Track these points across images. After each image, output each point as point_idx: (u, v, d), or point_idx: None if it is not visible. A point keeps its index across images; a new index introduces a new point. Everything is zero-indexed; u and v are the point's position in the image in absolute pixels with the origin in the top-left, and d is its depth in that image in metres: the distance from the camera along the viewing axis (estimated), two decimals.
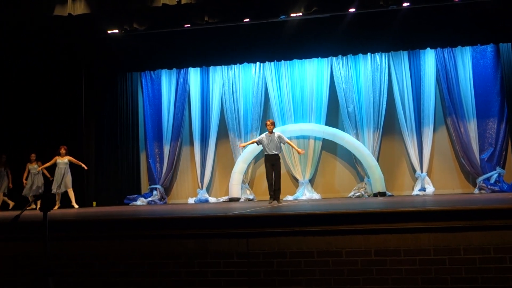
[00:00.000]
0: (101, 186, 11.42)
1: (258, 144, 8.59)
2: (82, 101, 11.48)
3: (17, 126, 11.23)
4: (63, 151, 10.13)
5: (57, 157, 10.09)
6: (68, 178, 10.05)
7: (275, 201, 8.32)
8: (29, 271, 4.09)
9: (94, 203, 10.56)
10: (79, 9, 8.72)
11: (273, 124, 8.52)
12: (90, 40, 10.73)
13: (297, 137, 11.13)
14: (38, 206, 9.23)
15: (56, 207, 9.78)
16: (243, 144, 9.32)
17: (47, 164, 10.14)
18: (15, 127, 11.24)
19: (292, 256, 3.86)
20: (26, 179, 10.38)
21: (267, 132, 8.44)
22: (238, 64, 11.50)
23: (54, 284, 3.27)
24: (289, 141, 8.64)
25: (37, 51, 10.80)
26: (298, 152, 9.13)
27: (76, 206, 10.00)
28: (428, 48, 10.65)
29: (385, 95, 10.89)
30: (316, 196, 10.81)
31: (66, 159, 10.12)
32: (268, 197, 8.74)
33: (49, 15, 8.76)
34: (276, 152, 8.32)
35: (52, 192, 9.85)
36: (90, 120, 11.69)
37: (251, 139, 11.25)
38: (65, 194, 10.12)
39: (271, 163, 8.34)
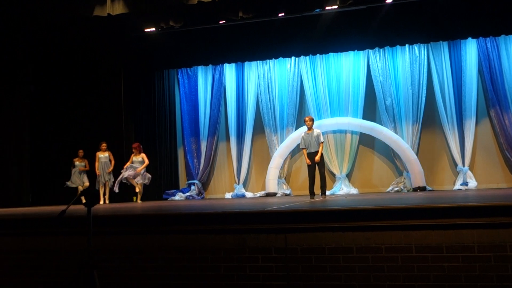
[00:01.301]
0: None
1: (304, 147, 8.41)
2: (121, 99, 11.77)
3: (61, 125, 11.61)
4: (103, 146, 10.42)
5: (98, 153, 10.40)
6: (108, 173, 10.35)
7: (322, 196, 8.16)
8: (75, 264, 4.24)
9: (135, 198, 10.80)
10: (118, 9, 8.92)
11: (312, 120, 8.40)
12: (128, 39, 10.98)
13: (334, 132, 11.03)
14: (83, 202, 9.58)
15: (101, 202, 10.15)
16: (308, 161, 8.69)
17: (96, 164, 10.42)
18: (58, 126, 11.63)
19: (330, 251, 3.83)
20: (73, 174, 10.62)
21: (306, 129, 8.33)
22: (273, 59, 11.49)
23: (98, 277, 3.37)
24: (321, 145, 8.36)
25: (78, 52, 11.14)
26: (315, 159, 8.70)
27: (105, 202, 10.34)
28: (470, 38, 10.30)
29: (425, 87, 10.63)
30: (353, 191, 10.69)
31: (106, 153, 10.43)
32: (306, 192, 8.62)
33: (89, 16, 9.01)
34: (316, 150, 8.20)
35: (100, 184, 10.23)
36: (129, 118, 11.97)
37: (287, 134, 11.28)
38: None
39: (314, 161, 8.19)
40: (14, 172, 10.86)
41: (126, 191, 11.00)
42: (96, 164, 10.42)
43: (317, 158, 8.00)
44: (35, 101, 11.59)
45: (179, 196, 11.49)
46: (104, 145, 10.50)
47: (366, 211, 3.95)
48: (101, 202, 10.21)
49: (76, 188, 10.52)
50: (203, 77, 12.14)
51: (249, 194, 11.41)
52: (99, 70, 11.55)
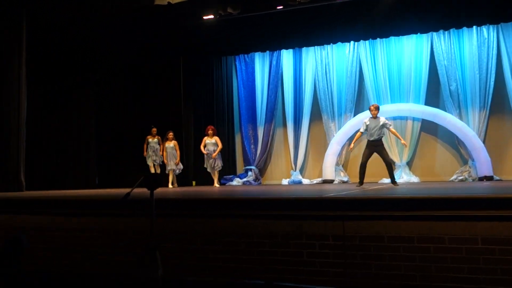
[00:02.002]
0: (200, 166, 11.96)
1: (363, 133, 8.28)
2: (180, 87, 12.06)
3: (123, 112, 12.10)
4: (170, 136, 10.68)
5: (165, 142, 10.67)
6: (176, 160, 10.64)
7: (395, 183, 8.05)
8: (139, 244, 4.43)
9: (194, 183, 11.10)
10: None
11: (377, 109, 8.20)
12: (187, 27, 11.18)
13: (394, 118, 10.70)
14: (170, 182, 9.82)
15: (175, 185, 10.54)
16: (352, 144, 8.85)
17: (164, 153, 10.68)
18: (121, 113, 12.13)
19: (390, 240, 3.74)
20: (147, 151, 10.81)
21: (371, 116, 8.15)
22: (331, 44, 11.29)
23: (161, 258, 3.51)
24: (393, 130, 8.24)
25: (139, 40, 11.50)
26: (403, 144, 8.75)
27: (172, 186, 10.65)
28: None
29: (493, 72, 10.04)
30: (414, 179, 10.36)
31: (172, 143, 10.69)
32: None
33: (150, 5, 9.26)
34: (380, 137, 8.02)
35: (167, 171, 10.56)
36: (187, 105, 12.26)
37: (344, 121, 11.07)
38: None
39: (373, 150, 8.01)
40: (83, 156, 11.48)
41: (185, 175, 11.33)
42: (145, 146, 10.67)
43: (403, 141, 8.10)
44: (101, 89, 12.14)
45: (236, 182, 11.67)
46: (171, 134, 10.72)
47: (429, 200, 3.82)
48: (170, 186, 10.54)
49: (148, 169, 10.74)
50: (260, 64, 12.16)
51: (306, 181, 11.37)
52: (159, 58, 11.88)
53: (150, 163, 10.67)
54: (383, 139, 8.18)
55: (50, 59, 10.99)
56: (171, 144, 10.67)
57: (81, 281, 3.66)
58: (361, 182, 7.95)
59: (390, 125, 8.17)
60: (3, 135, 8.70)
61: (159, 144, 10.78)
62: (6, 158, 8.69)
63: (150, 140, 10.79)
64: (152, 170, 10.49)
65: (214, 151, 10.49)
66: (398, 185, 8.00)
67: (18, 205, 5.48)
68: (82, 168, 11.44)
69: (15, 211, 5.30)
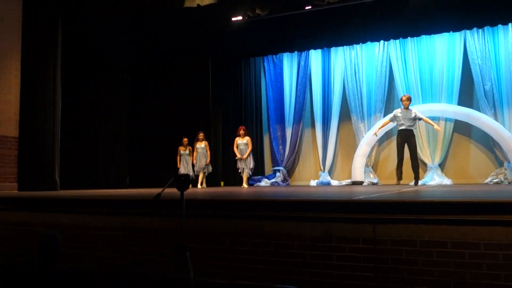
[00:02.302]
0: (228, 167, 12.02)
1: (393, 121, 8.16)
2: (209, 88, 12.15)
3: (153, 113, 12.27)
4: (201, 136, 10.74)
5: (195, 143, 10.73)
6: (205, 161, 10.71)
7: (416, 183, 7.87)
8: (168, 244, 4.48)
9: (222, 183, 11.16)
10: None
11: (409, 100, 8.06)
12: (216, 28, 11.26)
13: None
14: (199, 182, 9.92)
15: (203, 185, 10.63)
16: (377, 130, 8.86)
17: (194, 154, 10.78)
18: (151, 113, 12.30)
19: (422, 245, 3.65)
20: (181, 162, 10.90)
21: (402, 107, 8.01)
22: (360, 43, 11.16)
23: (191, 258, 3.53)
24: (426, 118, 8.09)
25: (169, 42, 11.65)
26: (437, 129, 8.57)
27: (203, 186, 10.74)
28: None
29: None
30: (446, 181, 10.12)
31: (203, 144, 10.74)
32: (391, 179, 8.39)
33: (180, 7, 9.36)
34: (411, 128, 7.86)
35: (196, 172, 10.66)
36: (216, 105, 12.34)
37: (374, 121, 10.92)
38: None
39: (405, 139, 7.86)
40: (115, 156, 11.70)
41: (213, 176, 11.39)
42: (195, 154, 10.69)
43: (437, 127, 7.96)
44: (132, 90, 12.35)
45: (264, 182, 11.66)
46: (201, 135, 10.77)
47: (463, 204, 3.71)
48: (199, 186, 10.62)
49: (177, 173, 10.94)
50: (289, 64, 12.13)
51: (334, 182, 11.28)
52: (188, 59, 12.00)
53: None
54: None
55: (83, 60, 11.24)
56: (202, 144, 10.72)
57: (111, 280, 3.72)
58: (399, 178, 7.79)
59: (423, 116, 8.00)
60: (39, 135, 8.94)
61: (190, 154, 10.85)
62: (42, 158, 8.93)
63: (182, 151, 10.86)
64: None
65: (246, 151, 10.48)
66: (417, 186, 7.79)
67: (53, 203, 5.62)
68: (114, 168, 11.65)
69: (50, 209, 5.43)
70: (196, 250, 4.36)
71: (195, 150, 10.72)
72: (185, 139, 10.87)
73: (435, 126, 8.45)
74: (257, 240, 4.29)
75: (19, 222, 5.51)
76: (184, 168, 10.74)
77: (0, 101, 8.20)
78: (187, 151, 10.85)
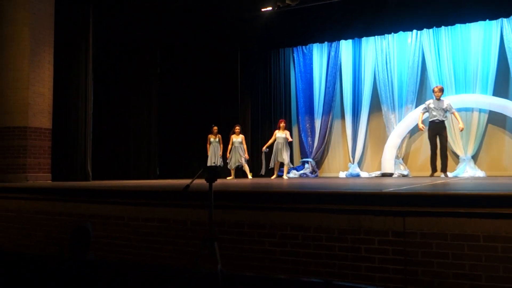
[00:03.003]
0: (257, 159, 12.06)
1: (424, 112, 8.01)
2: (238, 79, 12.18)
3: (183, 105, 12.40)
4: (237, 129, 10.76)
5: (232, 136, 10.76)
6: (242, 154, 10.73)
7: (444, 173, 7.74)
8: (197, 235, 4.55)
9: (251, 175, 11.21)
10: None
11: (441, 91, 7.90)
12: (245, 18, 11.25)
13: (459, 110, 10.17)
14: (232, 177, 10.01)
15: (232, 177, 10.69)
16: (422, 126, 8.52)
17: (229, 147, 10.77)
18: (181, 105, 12.43)
19: (453, 238, 3.59)
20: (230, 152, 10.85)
21: (435, 98, 7.86)
22: (392, 33, 10.95)
23: (219, 248, 3.58)
24: (456, 112, 7.91)
25: (198, 33, 11.71)
26: (460, 127, 8.39)
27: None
28: None
29: None
30: (480, 173, 9.86)
31: (240, 137, 10.77)
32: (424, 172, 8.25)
33: None
34: (443, 119, 7.71)
35: (229, 166, 10.71)
36: (245, 97, 12.37)
37: (405, 112, 10.72)
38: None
39: (436, 132, 7.73)
40: (145, 147, 11.91)
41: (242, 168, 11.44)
42: (229, 146, 10.69)
43: (461, 125, 7.80)
44: (162, 82, 12.52)
45: (293, 174, 11.65)
46: (237, 128, 10.80)
47: (496, 196, 3.62)
48: (249, 177, 10.71)
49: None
50: (319, 55, 12.02)
51: (364, 174, 11.16)
52: (217, 51, 12.05)
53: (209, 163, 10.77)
54: (448, 132, 7.90)
55: (113, 54, 11.45)
56: (238, 138, 10.72)
57: (141, 271, 3.81)
58: (433, 170, 7.68)
59: (454, 110, 7.84)
60: (72, 127, 9.19)
61: (219, 142, 10.87)
62: (75, 149, 9.18)
63: (212, 139, 10.90)
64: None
65: (283, 144, 10.35)
66: (447, 177, 7.67)
67: (85, 194, 5.78)
68: (144, 159, 11.87)
69: (82, 200, 5.59)
70: (225, 241, 4.41)
71: (231, 143, 10.74)
72: (215, 127, 10.92)
73: (460, 125, 8.25)
74: (284, 231, 4.30)
75: (52, 211, 5.70)
76: (212, 156, 10.79)
77: (34, 93, 8.43)
78: (217, 139, 10.91)
